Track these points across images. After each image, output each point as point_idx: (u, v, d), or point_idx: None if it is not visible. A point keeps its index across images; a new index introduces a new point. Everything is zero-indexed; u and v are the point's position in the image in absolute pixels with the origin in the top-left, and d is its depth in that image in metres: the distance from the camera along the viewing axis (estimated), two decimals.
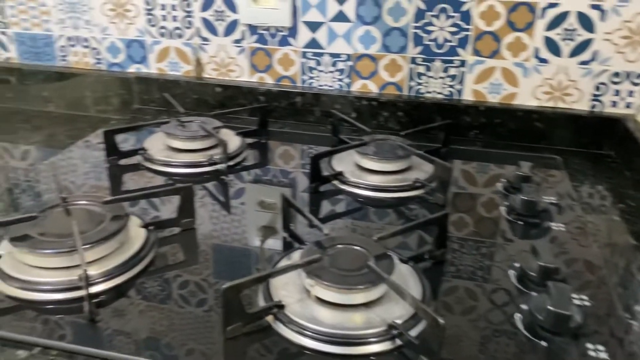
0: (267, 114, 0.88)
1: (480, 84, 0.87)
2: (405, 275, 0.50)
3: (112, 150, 0.74)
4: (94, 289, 0.48)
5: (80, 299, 0.46)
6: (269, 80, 0.94)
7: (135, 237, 0.55)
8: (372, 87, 0.91)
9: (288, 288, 0.48)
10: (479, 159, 0.80)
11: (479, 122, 0.86)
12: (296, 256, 0.51)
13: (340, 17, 0.87)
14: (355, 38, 0.88)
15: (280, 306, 0.46)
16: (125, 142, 0.81)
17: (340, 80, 0.92)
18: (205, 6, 0.91)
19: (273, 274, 0.47)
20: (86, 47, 0.98)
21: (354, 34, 0.88)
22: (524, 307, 0.47)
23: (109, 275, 0.50)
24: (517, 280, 0.51)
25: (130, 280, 0.50)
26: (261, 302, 0.47)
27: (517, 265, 0.53)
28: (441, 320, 0.39)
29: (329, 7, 0.87)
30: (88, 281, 0.46)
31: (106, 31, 0.96)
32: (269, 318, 0.46)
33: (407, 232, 0.57)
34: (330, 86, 0.92)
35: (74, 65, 1.00)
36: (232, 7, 0.90)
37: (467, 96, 0.88)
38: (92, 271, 0.49)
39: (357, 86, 0.92)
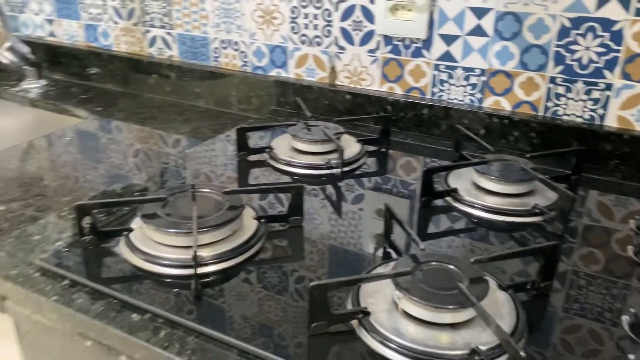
0: (390, 123, 0.89)
1: (627, 110, 0.79)
2: (501, 303, 0.48)
3: (242, 146, 0.80)
4: (204, 270, 0.53)
5: (190, 277, 0.52)
6: (398, 90, 0.95)
7: (248, 227, 0.59)
8: (505, 105, 0.88)
9: (377, 297, 0.49)
10: (616, 191, 0.73)
11: (621, 152, 0.79)
12: (389, 267, 0.51)
13: (478, 31, 0.85)
14: (492, 53, 0.85)
15: (366, 313, 0.47)
16: (258, 139, 0.87)
17: (471, 95, 0.89)
18: (345, 16, 0.94)
19: (361, 280, 0.48)
20: (236, 50, 1.07)
21: (491, 49, 0.85)
22: (631, 357, 0.43)
23: (218, 258, 0.54)
24: (630, 328, 0.47)
25: (237, 266, 0.55)
26: (349, 306, 0.48)
27: (632, 311, 0.48)
28: (522, 354, 0.37)
29: (466, 20, 0.85)
30: (197, 261, 0.51)
31: (254, 36, 1.04)
32: (354, 323, 0.47)
33: (510, 258, 0.55)
34: (460, 100, 0.91)
35: (223, 65, 1.10)
36: (370, 18, 0.93)
37: (611, 122, 0.81)
38: (204, 253, 0.54)
39: (489, 102, 0.89)
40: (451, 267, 0.49)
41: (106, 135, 0.94)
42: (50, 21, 1.28)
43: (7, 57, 1.16)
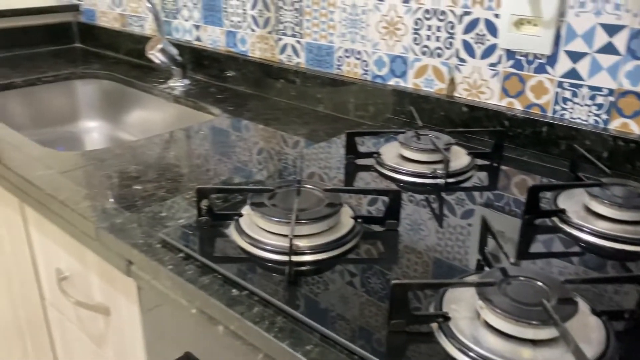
0: (505, 138, 0.87)
1: None
2: (590, 328, 0.46)
3: (351, 149, 0.84)
4: (298, 258, 0.57)
5: (285, 263, 0.56)
6: (517, 106, 0.93)
7: (344, 224, 0.62)
8: (634, 128, 0.82)
9: (460, 304, 0.49)
10: None
11: None
12: (477, 277, 0.51)
13: (609, 49, 0.81)
14: (622, 73, 0.81)
15: (447, 318, 0.47)
16: (370, 145, 0.90)
17: (596, 115, 0.85)
18: (468, 29, 0.94)
19: (443, 285, 0.49)
20: (358, 59, 1.11)
21: (622, 68, 0.80)
22: None
23: (313, 250, 0.58)
24: None
25: (330, 259, 0.58)
26: (431, 310, 0.50)
27: None
28: None
29: (596, 37, 0.81)
30: (293, 250, 0.55)
31: (376, 46, 1.07)
32: (434, 326, 0.48)
33: (607, 283, 0.52)
34: (584, 120, 0.86)
35: (345, 73, 1.14)
36: (493, 32, 0.92)
37: None
38: (300, 243, 0.58)
39: (615, 124, 0.84)
40: (539, 283, 0.48)
41: (235, 132, 1.03)
42: (197, 27, 1.42)
43: (159, 58, 1.31)
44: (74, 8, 1.77)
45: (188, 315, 0.58)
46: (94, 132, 1.55)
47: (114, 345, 0.83)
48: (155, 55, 1.30)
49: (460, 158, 0.82)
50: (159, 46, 1.30)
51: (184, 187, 0.79)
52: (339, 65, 1.15)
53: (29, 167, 0.84)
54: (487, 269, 0.56)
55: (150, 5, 1.30)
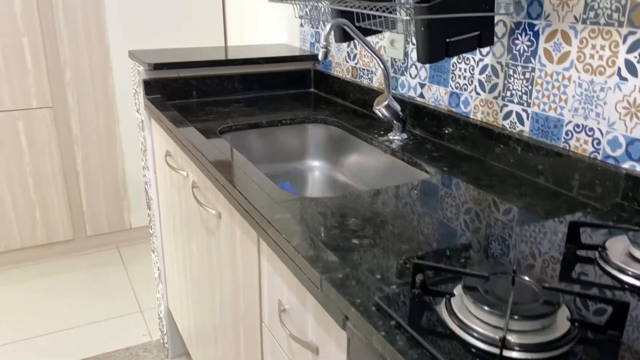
0: None
1: None
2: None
3: (573, 238, 0.81)
4: (508, 354, 0.58)
5: (495, 356, 0.57)
6: None
7: (560, 326, 0.61)
8: None
9: None
10: None
11: None
12: None
13: None
14: None
15: None
16: (594, 234, 0.85)
17: None
18: None
19: None
20: (589, 135, 1.06)
21: None
22: None
23: (524, 348, 0.58)
24: None
25: None
26: None
27: None
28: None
29: None
30: (504, 344, 0.56)
31: (613, 125, 1.01)
32: None
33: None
34: None
35: (572, 148, 1.10)
36: None
37: None
38: (511, 338, 0.58)
39: None
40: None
41: (448, 196, 1.07)
42: (422, 85, 1.49)
43: (383, 114, 1.40)
44: (314, 58, 1.99)
45: None
46: (316, 170, 1.71)
47: None
48: (381, 111, 1.40)
49: None
50: (385, 103, 1.40)
51: (397, 248, 0.85)
52: (566, 139, 1.11)
53: (270, 209, 0.98)
54: None
55: (382, 64, 1.41)
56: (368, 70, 1.73)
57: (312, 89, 2.03)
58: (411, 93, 1.55)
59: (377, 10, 1.18)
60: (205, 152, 1.29)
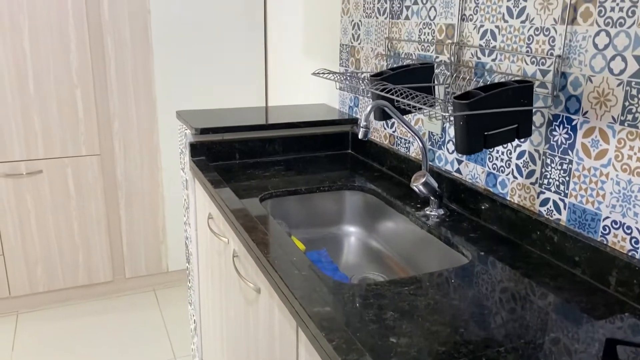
0: None
1: None
2: None
3: (608, 354, 0.81)
4: None
5: None
6: None
7: None
8: None
9: None
10: None
11: None
12: None
13: None
14: None
15: None
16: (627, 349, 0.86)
17: None
18: None
19: None
20: (627, 234, 1.07)
21: None
22: None
23: None
24: None
25: None
26: None
27: None
28: None
29: None
30: None
31: None
32: None
33: None
34: None
35: (610, 244, 1.11)
36: None
37: None
38: None
39: None
40: None
41: (485, 285, 1.08)
42: (460, 161, 1.52)
43: (421, 190, 1.44)
44: (353, 121, 2.05)
45: None
46: (352, 236, 1.75)
47: None
48: (418, 188, 1.44)
49: None
50: (423, 180, 1.43)
51: (434, 350, 0.87)
52: (604, 234, 1.12)
53: (309, 300, 1.02)
54: None
55: (420, 141, 1.45)
56: (405, 140, 1.77)
57: (350, 151, 2.08)
58: (448, 167, 1.58)
59: (418, 102, 1.22)
60: (245, 223, 1.34)
